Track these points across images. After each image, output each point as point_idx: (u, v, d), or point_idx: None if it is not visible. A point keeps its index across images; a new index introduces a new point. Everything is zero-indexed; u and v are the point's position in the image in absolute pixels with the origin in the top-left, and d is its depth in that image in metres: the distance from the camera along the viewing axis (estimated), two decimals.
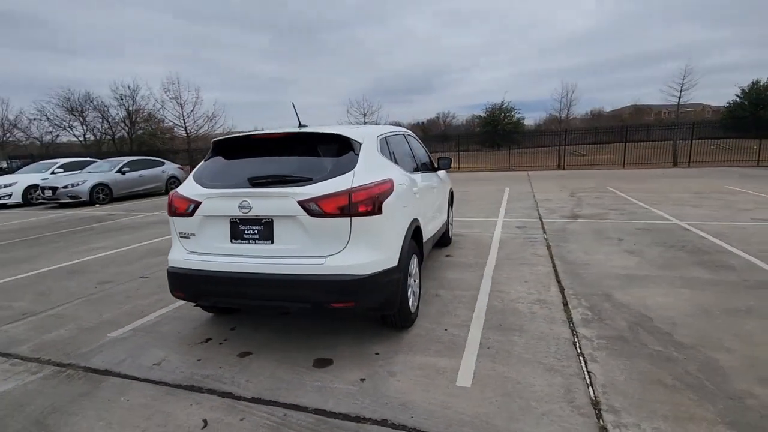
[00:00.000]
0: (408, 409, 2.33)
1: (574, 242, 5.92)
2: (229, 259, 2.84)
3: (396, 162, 3.53)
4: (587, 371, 2.64)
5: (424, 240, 3.81)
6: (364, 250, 2.74)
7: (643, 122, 43.85)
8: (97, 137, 40.68)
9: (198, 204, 2.92)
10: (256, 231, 2.81)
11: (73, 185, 12.46)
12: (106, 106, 37.65)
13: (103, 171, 13.48)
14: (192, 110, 29.93)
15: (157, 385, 2.68)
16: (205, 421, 2.30)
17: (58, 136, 40.57)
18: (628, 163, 20.91)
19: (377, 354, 2.97)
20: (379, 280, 2.77)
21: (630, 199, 9.77)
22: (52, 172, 14.26)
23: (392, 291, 2.89)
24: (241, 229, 2.84)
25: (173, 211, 3.04)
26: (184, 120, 29.98)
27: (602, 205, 9.09)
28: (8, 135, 39.30)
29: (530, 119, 57.57)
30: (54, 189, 12.55)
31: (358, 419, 2.26)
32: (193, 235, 2.99)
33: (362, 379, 2.65)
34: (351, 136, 3.03)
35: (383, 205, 2.82)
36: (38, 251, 6.82)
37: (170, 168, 15.61)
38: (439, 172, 5.30)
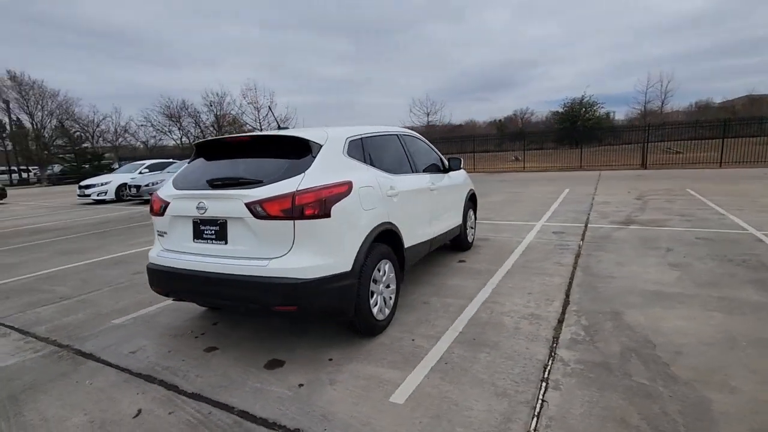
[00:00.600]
0: (327, 421, 2.24)
1: (611, 251, 5.30)
2: (191, 258, 2.97)
3: (372, 164, 3.43)
4: (541, 399, 2.34)
5: (407, 245, 3.65)
6: (309, 254, 2.70)
7: (757, 114, 37.88)
8: (191, 140, 45.05)
9: (167, 204, 3.09)
10: (213, 231, 2.90)
11: (153, 184, 13.95)
12: (198, 112, 41.62)
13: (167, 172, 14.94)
14: (267, 114, 31.95)
15: (121, 372, 2.89)
16: (139, 410, 2.43)
17: (161, 140, 45.67)
18: (727, 162, 18.29)
19: (330, 360, 2.91)
20: (324, 286, 2.71)
21: (707, 204, 8.53)
22: (140, 172, 16.12)
23: (342, 297, 2.81)
24: (201, 229, 2.95)
25: (151, 210, 3.25)
26: (260, 123, 32.10)
27: (668, 210, 8.04)
28: (121, 139, 45.06)
29: (620, 114, 52.54)
30: (138, 187, 14.18)
31: (274, 426, 2.23)
32: (165, 233, 3.17)
33: (300, 385, 2.61)
34: (310, 139, 3.00)
35: (333, 209, 2.76)
36: (103, 242, 7.73)
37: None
38: (451, 174, 5.06)
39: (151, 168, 16.56)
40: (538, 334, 3.14)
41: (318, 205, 2.69)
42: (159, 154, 39.65)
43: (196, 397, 2.54)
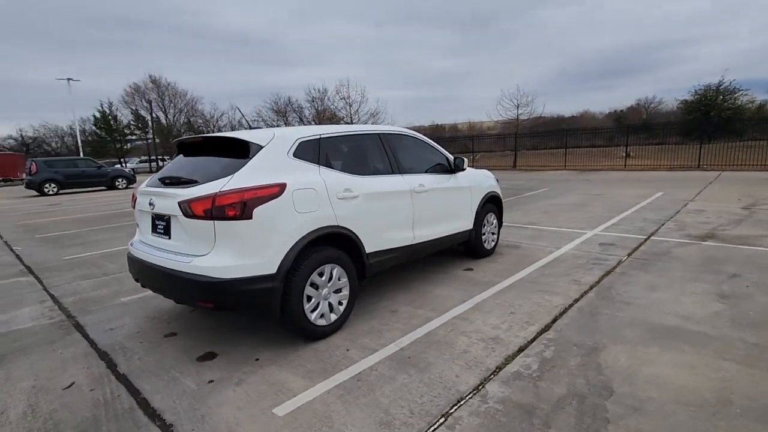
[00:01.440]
0: (202, 422, 2.27)
1: (652, 272, 4.45)
2: (147, 249, 3.22)
3: (328, 165, 3.34)
4: None
5: (370, 250, 3.50)
6: (229, 255, 2.74)
7: None
8: None
9: (136, 199, 3.40)
10: (162, 227, 3.11)
11: None
12: (301, 107, 44.65)
13: None
14: (357, 108, 33.02)
15: (89, 346, 3.27)
16: (72, 383, 2.72)
17: None
18: None
19: (257, 360, 2.93)
20: (243, 286, 2.73)
21: None
22: None
23: (263, 299, 2.81)
24: (156, 223, 3.18)
25: (132, 204, 3.60)
26: (351, 118, 33.31)
27: None
28: None
29: None
30: None
31: (155, 417, 2.32)
32: (138, 225, 3.49)
33: (211, 381, 2.68)
34: (250, 140, 3.03)
35: (255, 211, 2.75)
36: None
37: None
38: (458, 175, 4.70)
39: None
40: (483, 361, 2.78)
41: (239, 207, 2.71)
42: None
43: (122, 378, 2.77)
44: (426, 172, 4.36)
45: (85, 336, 3.46)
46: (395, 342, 3.10)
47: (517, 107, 28.46)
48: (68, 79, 30.17)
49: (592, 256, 5.17)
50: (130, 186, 20.02)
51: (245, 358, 2.95)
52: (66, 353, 3.16)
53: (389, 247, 3.74)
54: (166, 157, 41.25)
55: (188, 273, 2.76)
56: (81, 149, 33.68)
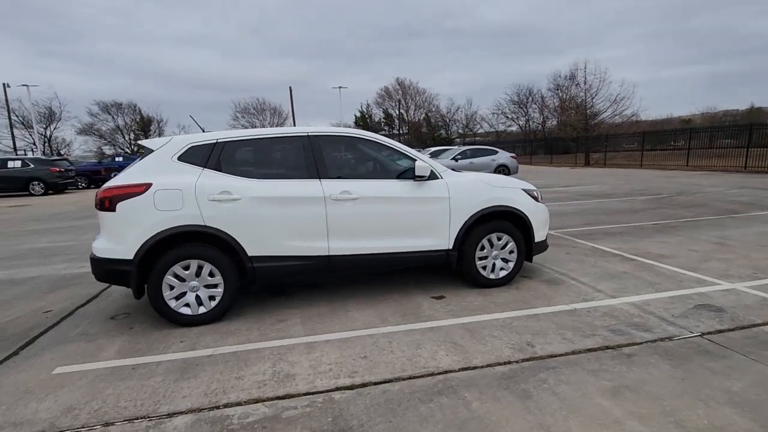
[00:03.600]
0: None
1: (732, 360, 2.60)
2: None
3: (217, 168, 3.50)
4: None
5: (255, 254, 3.50)
6: (104, 239, 3.40)
7: None
8: (532, 127, 46.17)
9: None
10: None
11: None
12: (543, 97, 41.89)
13: (437, 158, 16.55)
14: (595, 94, 28.50)
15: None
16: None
17: (510, 125, 49.19)
18: None
19: (131, 328, 3.49)
20: (108, 266, 3.35)
21: None
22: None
23: (123, 279, 3.33)
24: None
25: None
26: (585, 105, 29.10)
27: None
28: (478, 126, 51.37)
29: None
30: None
31: None
32: None
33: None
34: (147, 145, 3.57)
35: (118, 205, 3.28)
36: None
37: (502, 157, 16.66)
38: (432, 183, 3.90)
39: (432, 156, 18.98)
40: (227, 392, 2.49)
41: (108, 201, 3.31)
42: (505, 140, 43.19)
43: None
44: (371, 178, 3.86)
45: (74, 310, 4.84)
46: (212, 348, 3.09)
47: None
48: (339, 87, 37.96)
49: (646, 320, 3.33)
50: None
51: (121, 330, 3.56)
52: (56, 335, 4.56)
53: (289, 254, 3.60)
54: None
55: (91, 252, 3.56)
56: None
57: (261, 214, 3.50)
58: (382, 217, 3.80)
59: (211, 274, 3.46)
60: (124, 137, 45.20)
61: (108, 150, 43.70)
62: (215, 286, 3.48)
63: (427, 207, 3.91)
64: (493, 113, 48.10)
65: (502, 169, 16.46)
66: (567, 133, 29.58)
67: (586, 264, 4.90)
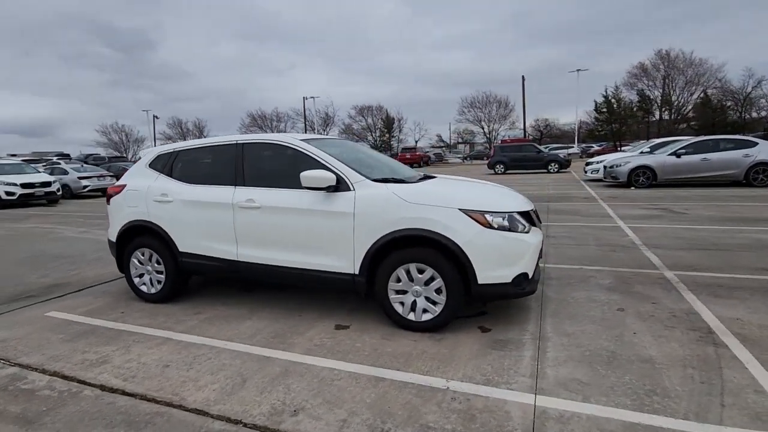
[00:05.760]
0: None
1: None
2: None
3: (170, 174, 4.09)
4: None
5: (181, 249, 3.97)
6: (109, 225, 4.51)
7: None
8: None
9: None
10: None
11: (616, 166, 12.86)
12: None
13: (652, 154, 12.52)
14: None
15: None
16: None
17: None
18: None
19: (121, 314, 4.54)
20: (109, 245, 4.47)
21: None
22: (641, 152, 14.66)
23: (116, 255, 4.38)
24: None
25: None
26: None
27: None
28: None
29: None
30: (612, 167, 13.42)
31: None
32: None
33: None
34: (140, 154, 4.45)
35: (111, 200, 4.34)
36: None
37: (763, 151, 11.24)
38: (347, 194, 3.34)
39: (653, 148, 14.47)
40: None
41: (107, 195, 4.42)
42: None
43: None
44: (285, 187, 3.61)
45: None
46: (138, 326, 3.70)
47: None
48: (578, 70, 33.54)
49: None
50: (562, 170, 20.99)
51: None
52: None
53: (208, 255, 3.88)
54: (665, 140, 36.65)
55: None
56: (577, 136, 36.92)
57: (186, 215, 3.92)
58: (282, 229, 3.57)
59: (158, 262, 4.13)
60: (372, 135, 54.46)
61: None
62: (161, 272, 4.13)
63: (329, 222, 3.40)
64: None
65: (762, 168, 11.17)
66: None
67: (612, 332, 3.10)
